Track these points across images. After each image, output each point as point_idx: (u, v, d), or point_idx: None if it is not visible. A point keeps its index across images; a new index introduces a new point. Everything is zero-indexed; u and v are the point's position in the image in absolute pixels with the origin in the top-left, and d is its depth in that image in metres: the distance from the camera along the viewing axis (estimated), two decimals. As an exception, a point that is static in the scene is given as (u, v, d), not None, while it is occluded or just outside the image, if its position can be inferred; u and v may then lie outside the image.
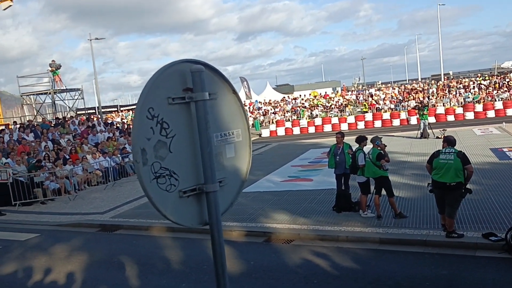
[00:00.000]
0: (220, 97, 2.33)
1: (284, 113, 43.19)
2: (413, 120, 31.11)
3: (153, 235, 10.63)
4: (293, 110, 43.30)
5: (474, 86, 40.36)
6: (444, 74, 62.90)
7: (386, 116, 34.63)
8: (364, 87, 52.20)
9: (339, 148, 10.48)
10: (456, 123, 28.88)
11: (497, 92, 36.76)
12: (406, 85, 54.46)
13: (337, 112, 39.18)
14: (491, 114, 31.43)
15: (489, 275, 6.61)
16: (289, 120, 39.26)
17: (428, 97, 38.46)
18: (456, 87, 41.52)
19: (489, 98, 35.52)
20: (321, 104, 43.20)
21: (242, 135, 2.47)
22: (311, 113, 40.56)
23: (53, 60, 26.08)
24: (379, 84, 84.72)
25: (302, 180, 14.74)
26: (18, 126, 22.42)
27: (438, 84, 45.22)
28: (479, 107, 32.61)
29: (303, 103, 45.81)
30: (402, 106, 37.45)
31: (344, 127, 33.86)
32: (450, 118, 32.02)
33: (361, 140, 9.91)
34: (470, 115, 32.03)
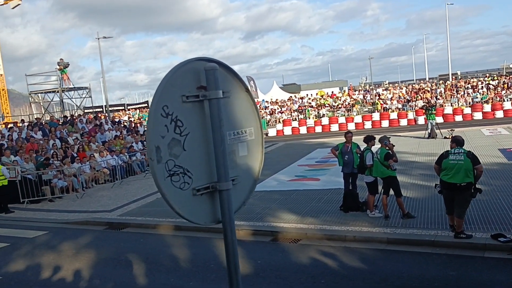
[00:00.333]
0: (233, 96, 2.33)
1: (291, 112, 43.14)
2: (421, 120, 30.96)
3: (161, 233, 10.66)
4: (300, 109, 43.23)
5: (482, 86, 40.07)
6: (452, 74, 62.50)
7: (394, 116, 34.49)
8: (371, 87, 51.97)
9: (348, 147, 10.45)
10: (464, 123, 28.70)
11: (506, 92, 36.48)
12: (413, 85, 54.20)
13: (344, 111, 39.07)
14: (499, 114, 31.20)
15: (497, 277, 6.57)
16: (296, 120, 39.20)
17: (436, 97, 38.24)
18: (464, 87, 41.26)
19: (498, 98, 35.27)
20: (328, 104, 43.10)
21: (255, 133, 2.47)
22: (318, 112, 40.48)
23: (61, 59, 26.22)
24: (386, 84, 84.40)
25: (309, 179, 14.72)
26: (26, 124, 22.55)
27: (446, 84, 44.94)
28: (487, 107, 32.40)
29: (310, 103, 45.72)
30: (410, 106, 37.27)
31: (351, 126, 33.75)
32: (458, 118, 31.84)
33: (369, 139, 9.87)
34: (478, 115, 31.83)
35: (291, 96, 53.80)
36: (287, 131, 36.85)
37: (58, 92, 26.52)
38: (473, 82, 44.03)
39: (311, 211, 10.61)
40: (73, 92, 27.69)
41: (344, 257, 7.82)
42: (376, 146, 9.77)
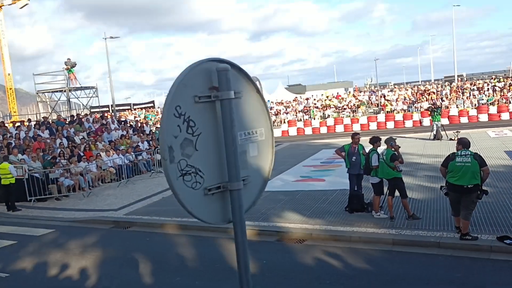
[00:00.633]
0: (244, 96, 2.36)
1: (296, 113, 43.13)
2: (426, 122, 30.89)
3: (166, 232, 10.71)
4: (305, 110, 43.21)
5: (488, 88, 39.90)
6: (457, 76, 62.23)
7: (399, 117, 34.42)
8: (376, 88, 51.87)
9: (355, 149, 10.45)
10: (470, 125, 28.61)
11: (512, 94, 36.31)
12: (419, 86, 54.03)
13: (349, 112, 39.02)
14: (505, 116, 31.06)
15: (503, 279, 6.57)
16: (300, 120, 39.20)
17: (442, 99, 38.13)
18: (470, 88, 41.10)
19: (504, 100, 35.11)
20: (333, 105, 43.06)
21: (266, 134, 2.50)
22: (323, 113, 40.46)
23: (68, 58, 26.35)
24: (391, 85, 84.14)
25: (315, 180, 14.73)
26: (33, 123, 22.68)
27: (452, 86, 44.79)
28: (493, 109, 32.27)
29: (315, 104, 45.70)
30: (415, 107, 37.18)
31: (356, 127, 33.71)
32: (463, 120, 31.73)
33: (375, 141, 9.88)
34: (483, 117, 31.70)
35: (296, 97, 53.77)
36: (292, 131, 36.86)
37: (65, 91, 26.66)
38: (479, 84, 43.85)
39: (316, 212, 10.63)
40: (80, 91, 27.82)
41: (350, 258, 7.84)
42: (382, 147, 9.79)
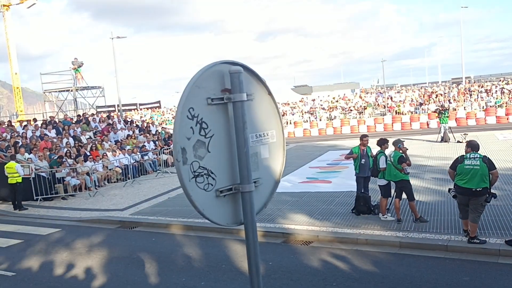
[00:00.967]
0: (256, 98, 2.36)
1: (302, 114, 43.09)
2: (433, 124, 30.75)
3: (172, 232, 10.72)
4: (311, 111, 43.16)
5: (496, 90, 39.66)
6: (465, 78, 61.93)
7: (406, 119, 34.30)
8: (383, 89, 51.65)
9: (363, 151, 10.41)
10: (477, 128, 28.47)
11: (521, 97, 36.08)
12: (426, 88, 53.80)
13: (356, 114, 38.93)
14: (513, 119, 30.91)
15: (512, 283, 6.51)
16: (307, 121, 39.16)
17: (449, 101, 37.95)
18: (478, 91, 40.88)
19: (512, 103, 34.90)
20: (340, 106, 42.96)
21: (277, 136, 2.50)
22: (329, 114, 40.39)
23: (75, 58, 26.45)
24: (398, 87, 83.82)
25: (321, 181, 14.70)
26: (40, 122, 22.79)
27: (459, 88, 44.57)
28: (501, 112, 32.08)
29: (321, 105, 45.63)
30: (422, 109, 37.03)
31: (362, 129, 33.65)
32: (471, 122, 31.59)
33: (382, 142, 9.84)
34: (491, 120, 31.53)
35: (302, 98, 53.72)
36: (298, 132, 36.84)
37: (72, 91, 26.76)
38: (487, 86, 43.60)
39: (322, 213, 10.60)
40: (86, 91, 27.92)
41: (356, 260, 7.81)
42: (389, 149, 9.75)
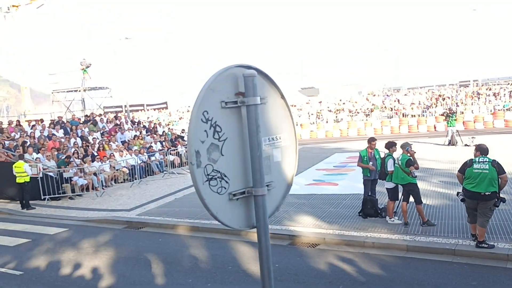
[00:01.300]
0: (269, 102, 2.37)
1: (309, 116, 43.04)
2: (440, 127, 30.60)
3: (179, 233, 10.74)
4: (318, 113, 43.11)
5: (504, 94, 39.45)
6: (473, 81, 61.61)
7: (413, 122, 34.16)
8: (390, 92, 51.56)
9: (371, 154, 10.38)
10: (485, 131, 28.30)
11: (529, 100, 35.86)
12: (433, 91, 53.60)
13: (363, 116, 38.83)
14: (522, 122, 30.70)
15: (521, 288, 6.47)
16: (313, 123, 39.12)
17: (457, 104, 37.76)
18: (486, 94, 40.67)
19: (520, 106, 34.67)
20: (347, 109, 42.89)
21: (289, 139, 2.50)
22: (336, 116, 40.33)
23: (83, 58, 26.62)
24: (405, 89, 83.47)
25: (327, 184, 14.66)
26: (47, 122, 22.93)
27: (467, 91, 44.37)
28: (509, 115, 31.86)
29: (328, 107, 45.57)
30: (429, 112, 36.87)
31: (369, 131, 33.56)
32: (479, 126, 31.41)
33: (390, 145, 9.81)
34: (499, 123, 31.33)
35: (309, 100, 53.67)
36: (305, 134, 36.80)
37: (79, 91, 26.93)
38: (495, 89, 43.38)
39: (329, 216, 10.58)
40: (94, 91, 28.08)
41: (363, 264, 7.78)
42: (397, 152, 9.71)
